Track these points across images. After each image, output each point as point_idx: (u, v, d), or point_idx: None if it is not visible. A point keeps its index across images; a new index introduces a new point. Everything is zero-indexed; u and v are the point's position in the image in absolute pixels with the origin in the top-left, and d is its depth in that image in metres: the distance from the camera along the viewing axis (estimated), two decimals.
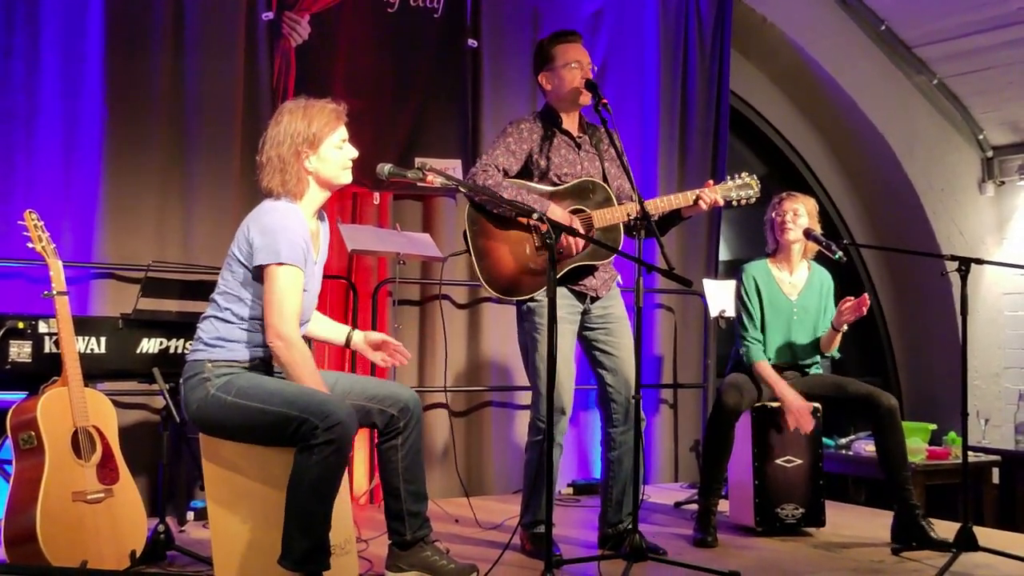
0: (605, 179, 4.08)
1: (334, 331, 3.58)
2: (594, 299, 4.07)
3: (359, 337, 3.55)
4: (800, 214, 4.53)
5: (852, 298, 4.40)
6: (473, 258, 3.96)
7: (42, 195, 4.74)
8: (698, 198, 4.00)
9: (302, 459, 2.95)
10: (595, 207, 3.98)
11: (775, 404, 4.51)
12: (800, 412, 4.36)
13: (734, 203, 4.12)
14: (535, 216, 3.34)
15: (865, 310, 4.36)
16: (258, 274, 3.12)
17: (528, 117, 4.12)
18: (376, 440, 3.42)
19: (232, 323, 3.16)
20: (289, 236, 3.10)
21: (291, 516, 2.96)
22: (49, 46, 4.81)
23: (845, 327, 4.47)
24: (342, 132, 3.25)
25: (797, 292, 4.60)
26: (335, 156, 3.22)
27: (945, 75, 7.02)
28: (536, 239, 3.93)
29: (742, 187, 4.12)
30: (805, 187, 7.22)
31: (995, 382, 7.32)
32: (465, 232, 3.98)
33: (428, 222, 5.70)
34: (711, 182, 4.08)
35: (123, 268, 4.88)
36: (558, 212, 3.89)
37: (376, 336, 3.56)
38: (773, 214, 4.60)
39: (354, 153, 3.28)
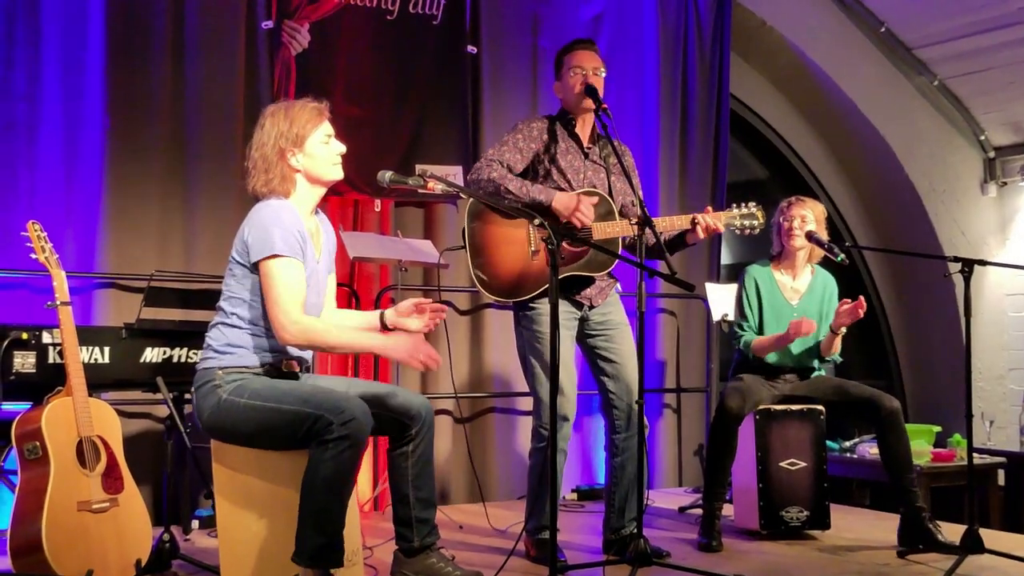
0: (611, 192, 4.07)
1: (366, 320, 3.50)
2: (591, 307, 4.07)
3: (391, 313, 3.44)
4: (808, 220, 4.52)
5: (849, 300, 4.39)
6: (469, 255, 3.95)
7: (44, 205, 4.75)
8: (694, 221, 3.97)
9: (317, 455, 2.95)
10: (597, 219, 3.97)
11: (778, 407, 4.51)
12: (798, 325, 4.33)
13: (736, 231, 4.10)
14: (537, 221, 3.34)
15: (862, 312, 4.34)
16: (257, 272, 3.13)
17: (542, 117, 4.13)
18: (387, 447, 3.41)
19: (240, 328, 3.17)
20: (283, 228, 3.11)
21: (305, 512, 2.96)
22: (50, 56, 4.81)
23: (843, 330, 4.46)
24: (326, 128, 3.27)
25: (799, 297, 4.59)
26: (322, 152, 3.24)
27: (946, 76, 7.02)
28: (535, 241, 3.93)
29: (747, 216, 4.09)
30: (807, 190, 7.22)
31: (999, 383, 7.31)
32: (464, 228, 3.98)
33: (429, 229, 5.70)
34: (710, 208, 4.06)
35: (126, 277, 4.89)
36: (565, 198, 3.88)
37: (405, 305, 3.42)
38: (781, 219, 4.58)
39: (341, 148, 3.29)
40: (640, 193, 4.01)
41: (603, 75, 4.08)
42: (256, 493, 3.15)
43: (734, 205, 4.13)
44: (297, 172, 3.23)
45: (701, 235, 4.00)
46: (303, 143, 3.21)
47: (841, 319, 4.39)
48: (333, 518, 2.97)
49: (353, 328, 3.30)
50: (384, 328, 3.50)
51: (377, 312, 3.55)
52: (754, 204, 4.12)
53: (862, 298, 4.34)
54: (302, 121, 3.21)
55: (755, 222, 4.11)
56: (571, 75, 4.04)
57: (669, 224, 4.02)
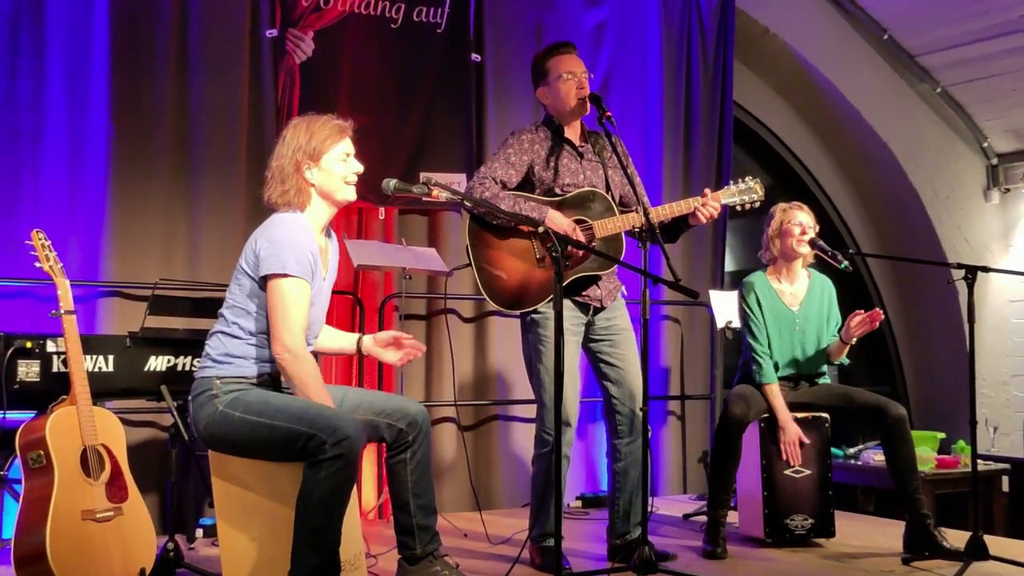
0: (608, 187, 4.08)
1: (343, 340, 3.59)
2: (598, 310, 4.07)
3: (369, 340, 3.55)
4: (809, 224, 4.52)
5: (862, 312, 4.37)
6: (475, 271, 3.96)
7: (49, 213, 4.75)
8: (696, 212, 3.98)
9: (311, 475, 2.95)
10: (597, 217, 3.98)
11: None
12: (792, 447, 4.41)
13: (738, 207, 4.11)
14: (540, 229, 3.34)
15: (877, 324, 4.34)
16: (264, 285, 3.14)
17: (529, 128, 4.12)
18: (385, 455, 3.41)
19: (240, 338, 3.17)
20: (297, 249, 3.11)
21: (300, 532, 2.96)
22: (54, 66, 4.83)
23: (854, 340, 4.45)
24: (345, 146, 3.27)
25: (799, 302, 4.59)
26: (337, 169, 3.24)
27: (948, 83, 7.03)
28: (538, 250, 3.94)
29: (745, 191, 4.10)
30: (810, 197, 7.23)
31: (1003, 390, 7.31)
32: (467, 246, 3.99)
33: (434, 236, 5.71)
34: (708, 191, 4.06)
35: (130, 286, 4.89)
36: (557, 218, 3.89)
37: (385, 335, 3.55)
38: (784, 224, 4.55)
39: (359, 168, 3.29)
40: (641, 191, 4.01)
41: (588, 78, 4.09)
42: (255, 505, 3.15)
43: (731, 182, 4.13)
44: (312, 187, 3.24)
45: (703, 220, 4.01)
46: (320, 158, 3.22)
47: (854, 331, 4.37)
48: (329, 537, 2.97)
49: (321, 384, 3.18)
50: (358, 352, 3.58)
51: (355, 336, 3.59)
52: (750, 177, 4.13)
53: (878, 310, 4.33)
54: (321, 137, 3.22)
55: (754, 196, 4.11)
56: (563, 81, 4.02)
57: (669, 211, 4.02)
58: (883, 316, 4.34)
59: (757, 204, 4.12)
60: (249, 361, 3.17)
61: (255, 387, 3.16)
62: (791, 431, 4.40)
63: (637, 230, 3.92)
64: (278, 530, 3.09)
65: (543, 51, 4.16)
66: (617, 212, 4.01)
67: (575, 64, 4.05)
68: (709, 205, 3.98)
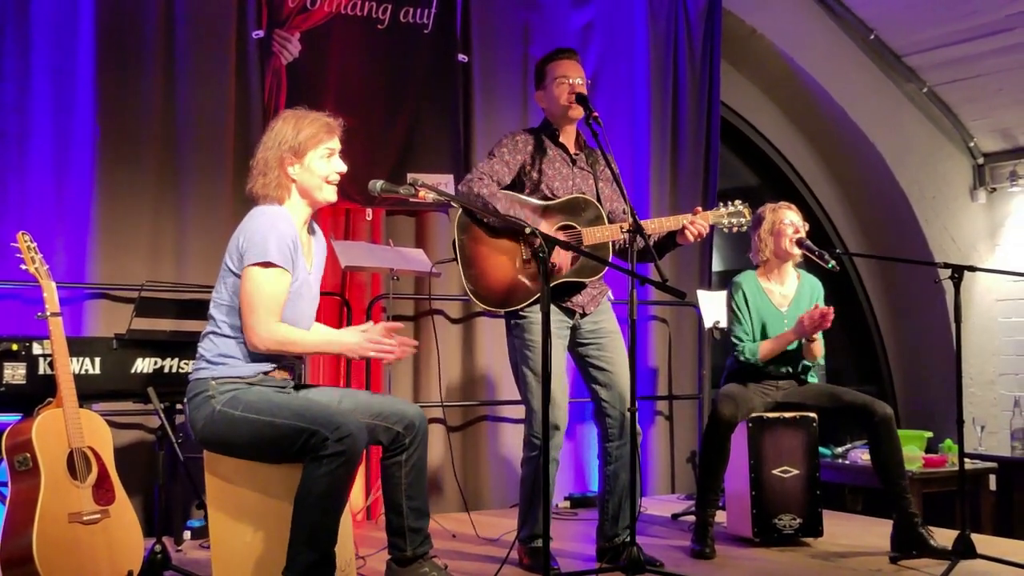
0: (599, 199, 4.08)
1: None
2: (582, 315, 4.07)
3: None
4: (799, 224, 4.54)
5: (819, 306, 4.38)
6: (460, 266, 3.96)
7: (35, 216, 4.73)
8: (684, 229, 3.98)
9: (311, 470, 2.95)
10: (586, 224, 3.98)
11: (771, 415, 4.52)
12: (810, 317, 4.33)
13: (724, 229, 4.12)
14: (528, 230, 3.33)
15: (828, 323, 4.33)
16: None
17: (525, 130, 4.14)
18: (380, 456, 3.40)
19: (231, 337, 3.16)
20: (277, 237, 3.11)
21: (298, 528, 2.95)
22: (40, 67, 4.80)
23: (816, 336, 4.45)
24: (331, 144, 3.26)
25: (788, 303, 4.60)
26: (320, 168, 3.23)
27: (935, 83, 7.05)
28: (525, 251, 3.93)
29: (734, 215, 4.11)
30: (797, 197, 7.24)
31: (990, 389, 7.33)
32: (454, 240, 3.98)
33: (421, 237, 5.70)
34: (699, 209, 4.07)
35: (117, 288, 4.87)
36: (545, 230, 3.89)
37: (377, 329, 3.40)
38: (776, 223, 4.56)
39: (342, 167, 3.28)
40: (630, 208, 4.03)
41: (586, 86, 4.09)
42: (249, 504, 3.15)
43: (720, 204, 4.15)
44: (292, 183, 3.23)
45: (691, 239, 4.02)
46: (303, 155, 3.21)
47: (807, 329, 4.36)
48: (326, 534, 2.96)
49: (318, 333, 3.34)
50: None
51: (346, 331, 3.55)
52: (740, 201, 4.14)
53: (830, 309, 4.33)
54: (307, 133, 3.21)
55: (742, 219, 4.13)
56: (556, 85, 4.04)
57: (658, 226, 4.03)
58: (832, 315, 4.33)
59: (744, 228, 4.14)
60: (243, 360, 3.16)
61: (253, 386, 3.15)
62: (796, 327, 4.38)
63: (624, 244, 3.91)
64: (270, 530, 3.09)
65: (545, 56, 4.18)
66: (606, 222, 4.01)
67: (571, 69, 4.06)
68: (697, 223, 3.98)
